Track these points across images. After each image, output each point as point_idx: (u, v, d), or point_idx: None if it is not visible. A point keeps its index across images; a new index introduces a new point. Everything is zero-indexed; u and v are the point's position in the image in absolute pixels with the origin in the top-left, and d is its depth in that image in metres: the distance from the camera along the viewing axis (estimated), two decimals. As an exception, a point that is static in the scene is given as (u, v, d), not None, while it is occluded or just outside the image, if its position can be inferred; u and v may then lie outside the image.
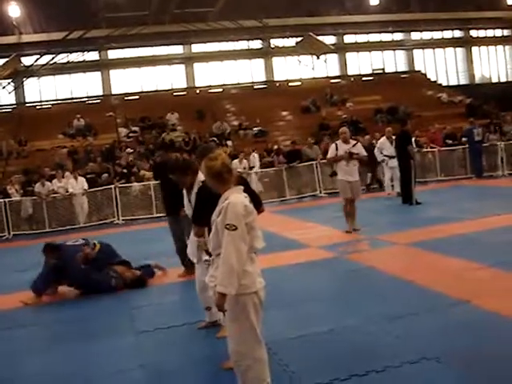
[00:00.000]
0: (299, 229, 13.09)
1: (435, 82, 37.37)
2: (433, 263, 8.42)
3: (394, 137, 16.59)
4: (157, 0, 27.56)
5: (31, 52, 28.96)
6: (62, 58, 28.71)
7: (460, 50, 40.30)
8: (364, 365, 4.97)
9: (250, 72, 35.88)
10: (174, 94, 32.73)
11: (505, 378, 4.57)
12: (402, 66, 38.75)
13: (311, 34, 29.00)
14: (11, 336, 7.17)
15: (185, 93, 33.09)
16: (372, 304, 6.74)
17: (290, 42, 31.05)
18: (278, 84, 34.70)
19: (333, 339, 5.75)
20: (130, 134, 26.60)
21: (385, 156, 17.27)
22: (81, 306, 8.32)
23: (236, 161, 19.15)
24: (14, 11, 29.14)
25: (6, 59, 26.02)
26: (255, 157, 20.69)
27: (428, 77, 37.57)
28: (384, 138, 17.47)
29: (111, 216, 18.65)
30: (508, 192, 15.60)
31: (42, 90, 32.30)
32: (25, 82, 29.35)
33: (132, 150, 23.19)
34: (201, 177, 6.13)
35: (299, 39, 29.70)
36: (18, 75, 28.41)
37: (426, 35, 39.13)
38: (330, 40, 34.14)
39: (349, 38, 37.67)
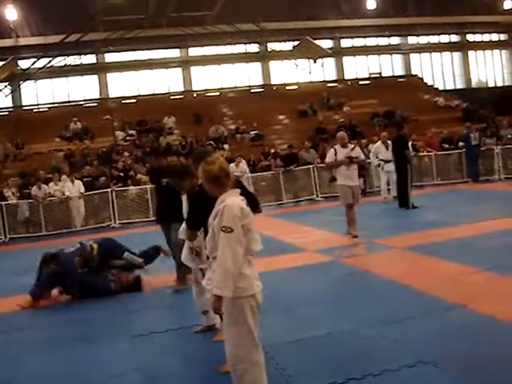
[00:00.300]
0: (296, 232, 13.09)
1: (432, 86, 37.46)
2: (429, 267, 8.43)
3: (389, 141, 16.62)
4: (154, 3, 27.55)
5: (28, 55, 28.98)
6: (59, 61, 28.69)
7: (456, 55, 40.38)
8: (361, 369, 4.98)
9: (247, 76, 35.90)
10: (171, 97, 32.76)
11: (501, 382, 4.59)
12: (399, 70, 38.80)
13: (308, 37, 29.03)
14: (8, 339, 7.16)
15: (182, 96, 33.13)
16: (369, 308, 6.75)
17: (287, 45, 31.09)
18: (275, 88, 34.72)
19: (330, 343, 5.76)
20: (127, 138, 26.60)
21: (380, 160, 17.31)
22: (77, 309, 8.31)
23: (233, 164, 19.13)
24: (11, 14, 29.12)
25: (3, 62, 25.96)
26: (243, 163, 20.38)
27: (425, 81, 37.67)
28: (379, 142, 17.51)
29: (108, 219, 18.65)
30: (504, 196, 15.63)
31: (38, 93, 32.24)
32: (22, 85, 29.34)
33: (129, 154, 23.18)
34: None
35: (296, 43, 29.73)
36: (15, 78, 28.38)
37: (423, 39, 39.26)
38: (326, 44, 34.21)
39: (346, 42, 37.72)
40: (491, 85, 41.21)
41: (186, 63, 34.69)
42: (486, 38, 41.01)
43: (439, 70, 40.00)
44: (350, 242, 11.14)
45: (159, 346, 6.27)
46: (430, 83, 37.79)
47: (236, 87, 34.65)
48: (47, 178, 19.62)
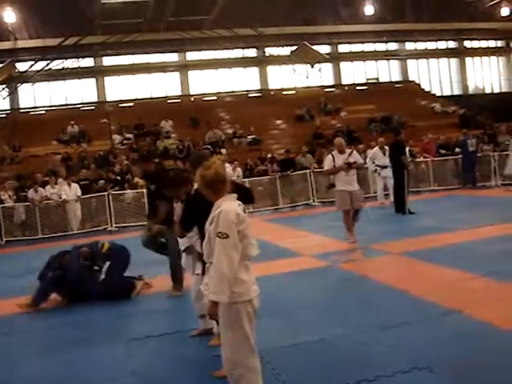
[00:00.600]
0: (292, 237, 13.09)
1: (429, 92, 37.53)
2: (426, 273, 8.42)
3: (386, 147, 16.63)
4: (152, 8, 27.60)
5: (26, 58, 29.00)
6: (56, 65, 28.78)
7: (454, 61, 40.49)
8: (356, 374, 4.97)
9: (244, 80, 35.93)
10: (169, 101, 32.74)
11: (496, 388, 4.59)
12: (396, 76, 38.89)
13: (306, 43, 29.12)
14: (6, 342, 7.15)
15: (179, 100, 33.12)
16: (364, 313, 6.75)
17: (285, 50, 31.17)
18: (272, 92, 34.77)
19: (325, 348, 5.75)
20: (124, 141, 26.60)
21: (377, 166, 17.31)
22: (74, 312, 8.29)
23: (229, 169, 19.12)
24: (9, 17, 29.11)
25: (1, 65, 26.03)
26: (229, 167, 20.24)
27: (422, 87, 37.73)
28: (377, 147, 17.50)
29: (104, 223, 18.62)
30: (501, 202, 15.65)
31: (36, 96, 32.24)
32: (19, 88, 29.39)
33: (125, 157, 23.16)
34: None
35: (294, 48, 29.82)
36: (13, 81, 28.45)
37: (420, 45, 39.37)
38: (324, 49, 34.26)
39: (343, 48, 37.79)
40: (488, 91, 41.32)
41: (183, 67, 34.73)
42: (484, 44, 41.15)
43: (436, 76, 40.11)
44: (346, 247, 11.12)
45: (155, 350, 6.25)
46: (427, 89, 37.86)
47: (233, 92, 34.68)
48: (44, 180, 19.59)
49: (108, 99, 32.82)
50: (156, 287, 9.19)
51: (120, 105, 31.58)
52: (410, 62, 39.27)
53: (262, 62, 35.67)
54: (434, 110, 32.02)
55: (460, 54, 40.31)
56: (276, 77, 36.08)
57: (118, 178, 20.00)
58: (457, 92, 40.09)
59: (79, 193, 18.54)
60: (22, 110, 31.45)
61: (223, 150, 24.87)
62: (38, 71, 28.10)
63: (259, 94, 34.76)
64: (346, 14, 35.14)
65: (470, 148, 19.91)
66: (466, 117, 29.55)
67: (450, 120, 29.76)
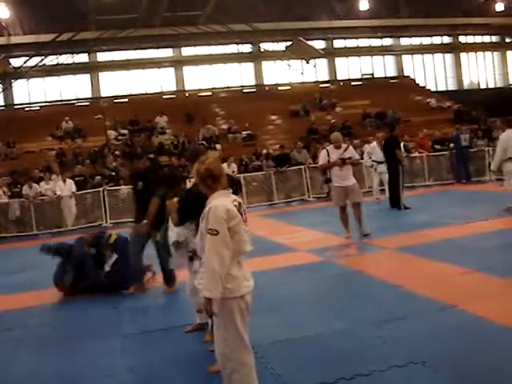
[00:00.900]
0: (287, 233, 13.09)
1: (424, 87, 37.60)
2: (421, 268, 8.44)
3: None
4: (146, 3, 27.52)
5: (20, 53, 28.92)
6: (51, 60, 28.65)
7: (449, 56, 40.54)
8: (351, 369, 4.98)
9: (239, 76, 35.91)
10: (164, 97, 32.74)
11: (491, 382, 4.59)
12: (391, 71, 38.93)
13: (301, 38, 29.08)
14: (1, 338, 7.14)
15: (174, 96, 33.09)
16: (360, 308, 6.76)
17: (280, 46, 31.12)
18: (267, 88, 34.77)
19: (320, 343, 5.76)
20: (119, 137, 26.57)
21: (373, 161, 17.31)
22: (67, 309, 8.29)
23: (224, 164, 19.12)
24: (3, 12, 28.93)
25: (-5, 60, 25.95)
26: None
27: (417, 82, 37.79)
28: (375, 143, 17.43)
29: (99, 219, 18.58)
30: (495, 197, 15.65)
31: (30, 92, 32.14)
32: (13, 84, 29.29)
33: (120, 153, 23.14)
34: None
35: (289, 43, 29.78)
36: (7, 77, 28.38)
37: (415, 41, 39.41)
38: (319, 45, 34.28)
39: (338, 43, 37.82)
40: (483, 86, 41.41)
41: (178, 63, 34.66)
42: (478, 39, 41.21)
43: (431, 72, 40.16)
44: (341, 242, 11.12)
45: (150, 346, 6.26)
46: (422, 84, 37.94)
47: (228, 87, 34.66)
48: (40, 177, 19.55)
49: (103, 95, 32.73)
50: (151, 282, 9.17)
51: (115, 100, 31.49)
52: (405, 58, 39.29)
53: (256, 57, 35.64)
54: (429, 106, 32.09)
55: (455, 49, 40.36)
56: (271, 72, 36.06)
57: (113, 173, 19.96)
58: (452, 87, 40.17)
59: (74, 189, 18.47)
60: (16, 106, 31.40)
61: (218, 146, 24.86)
62: (32, 67, 28.00)
63: (254, 90, 34.77)
64: (340, 9, 35.10)
65: (463, 143, 19.92)
66: (461, 112, 29.61)
67: (445, 115, 29.83)
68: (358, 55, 38.36)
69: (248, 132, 27.33)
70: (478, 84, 41.43)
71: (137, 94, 32.75)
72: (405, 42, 39.05)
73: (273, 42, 32.16)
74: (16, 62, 28.33)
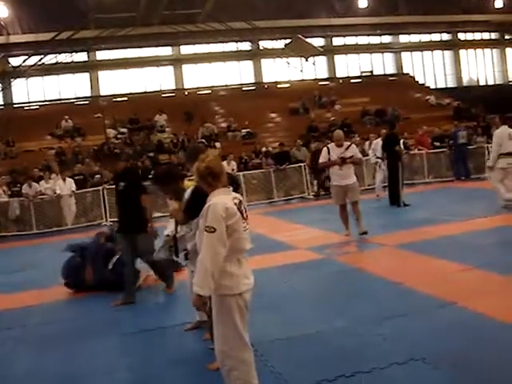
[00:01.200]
0: (287, 230, 13.08)
1: (423, 84, 37.54)
2: (420, 265, 8.43)
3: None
4: (146, 1, 27.51)
5: (19, 52, 28.88)
6: (50, 59, 28.65)
7: (448, 53, 40.51)
8: (351, 366, 4.98)
9: (238, 74, 35.89)
10: (163, 95, 32.64)
11: (492, 379, 4.59)
12: (391, 69, 38.91)
13: (300, 36, 29.06)
14: (1, 337, 7.14)
15: (173, 94, 33.02)
16: (360, 305, 6.76)
17: (279, 44, 31.11)
18: (266, 86, 34.71)
19: (320, 340, 5.76)
20: (119, 136, 26.53)
21: (377, 158, 17.24)
22: (67, 307, 8.29)
23: (224, 162, 19.12)
24: (2, 11, 28.98)
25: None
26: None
27: (416, 79, 37.72)
28: (379, 139, 17.29)
29: (99, 218, 18.57)
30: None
31: (29, 91, 32.13)
32: (12, 83, 29.27)
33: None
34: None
35: (288, 41, 29.76)
36: (6, 76, 28.36)
37: (414, 38, 39.38)
38: (318, 42, 34.21)
39: (337, 41, 37.77)
40: (482, 83, 41.39)
41: (177, 61, 34.64)
42: (478, 36, 41.17)
43: (430, 69, 40.14)
44: (341, 239, 11.11)
45: (149, 344, 6.26)
46: (421, 82, 37.86)
47: (227, 85, 34.60)
48: (40, 176, 19.54)
49: (102, 94, 32.75)
50: (150, 280, 9.17)
51: (114, 99, 31.47)
52: (404, 55, 39.28)
53: (256, 55, 35.62)
54: (429, 103, 32.05)
55: (454, 46, 40.32)
56: (270, 70, 36.00)
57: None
58: (451, 84, 40.13)
59: (74, 187, 18.45)
60: (15, 105, 31.33)
61: (217, 144, 24.85)
62: (31, 66, 27.99)
63: (253, 88, 34.68)
64: (339, 6, 35.12)
65: (461, 140, 19.90)
66: (461, 109, 29.57)
67: (444, 112, 29.81)
68: (357, 53, 38.35)
69: (247, 130, 27.29)
70: (478, 81, 41.39)
71: (136, 93, 32.67)
72: (404, 39, 39.04)
73: (272, 39, 32.16)
74: (15, 61, 28.30)
